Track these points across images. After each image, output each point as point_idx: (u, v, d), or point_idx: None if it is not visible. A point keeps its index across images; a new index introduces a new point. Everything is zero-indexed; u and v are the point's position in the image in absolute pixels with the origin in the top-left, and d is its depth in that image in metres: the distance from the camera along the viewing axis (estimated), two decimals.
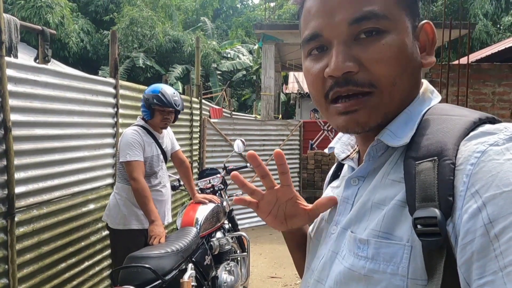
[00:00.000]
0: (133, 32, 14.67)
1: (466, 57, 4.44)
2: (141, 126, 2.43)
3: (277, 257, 4.24)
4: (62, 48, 12.80)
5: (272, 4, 21.87)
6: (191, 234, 2.20)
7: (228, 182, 3.05)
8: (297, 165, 5.97)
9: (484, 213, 0.38)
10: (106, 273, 2.86)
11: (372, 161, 0.53)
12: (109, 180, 2.91)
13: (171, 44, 15.94)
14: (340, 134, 0.62)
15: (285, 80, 14.65)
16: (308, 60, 0.53)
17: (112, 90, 2.93)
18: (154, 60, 15.54)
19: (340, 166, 0.65)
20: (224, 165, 3.01)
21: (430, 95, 0.53)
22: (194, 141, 4.86)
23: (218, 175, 2.93)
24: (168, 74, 15.19)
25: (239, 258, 2.82)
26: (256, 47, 15.64)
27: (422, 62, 0.52)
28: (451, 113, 0.48)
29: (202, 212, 2.45)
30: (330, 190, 0.64)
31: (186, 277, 1.96)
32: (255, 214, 5.91)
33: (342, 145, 0.62)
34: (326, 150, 0.66)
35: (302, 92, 11.72)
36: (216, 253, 2.49)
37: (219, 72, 16.42)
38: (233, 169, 2.94)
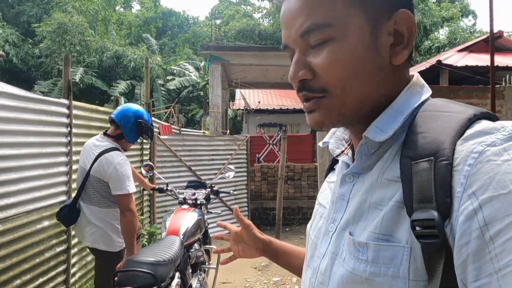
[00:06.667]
0: (64, 40, 13.89)
1: None
2: (118, 149, 2.34)
3: (228, 264, 4.45)
4: None
5: (218, 21, 22.39)
6: (177, 243, 2.23)
7: (211, 197, 3.11)
8: (245, 178, 6.29)
9: (480, 215, 0.38)
10: None
11: (366, 158, 0.52)
12: (63, 197, 2.99)
13: (112, 60, 15.53)
14: (334, 128, 0.62)
15: (232, 97, 15.07)
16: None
17: (65, 111, 3.05)
18: (95, 75, 15.00)
19: (335, 160, 0.64)
20: (211, 184, 3.12)
21: (420, 90, 0.53)
22: (145, 158, 4.99)
23: (204, 191, 3.01)
24: (112, 89, 14.77)
25: (206, 269, 2.95)
26: (202, 64, 15.90)
27: (391, 58, 0.50)
28: (446, 109, 0.48)
29: (187, 222, 2.53)
30: (327, 185, 0.65)
31: (173, 284, 2.03)
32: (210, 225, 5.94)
33: (337, 140, 0.63)
34: (320, 144, 0.66)
35: (248, 108, 12.18)
36: (192, 263, 2.58)
37: (164, 90, 16.27)
38: (218, 191, 3.05)
